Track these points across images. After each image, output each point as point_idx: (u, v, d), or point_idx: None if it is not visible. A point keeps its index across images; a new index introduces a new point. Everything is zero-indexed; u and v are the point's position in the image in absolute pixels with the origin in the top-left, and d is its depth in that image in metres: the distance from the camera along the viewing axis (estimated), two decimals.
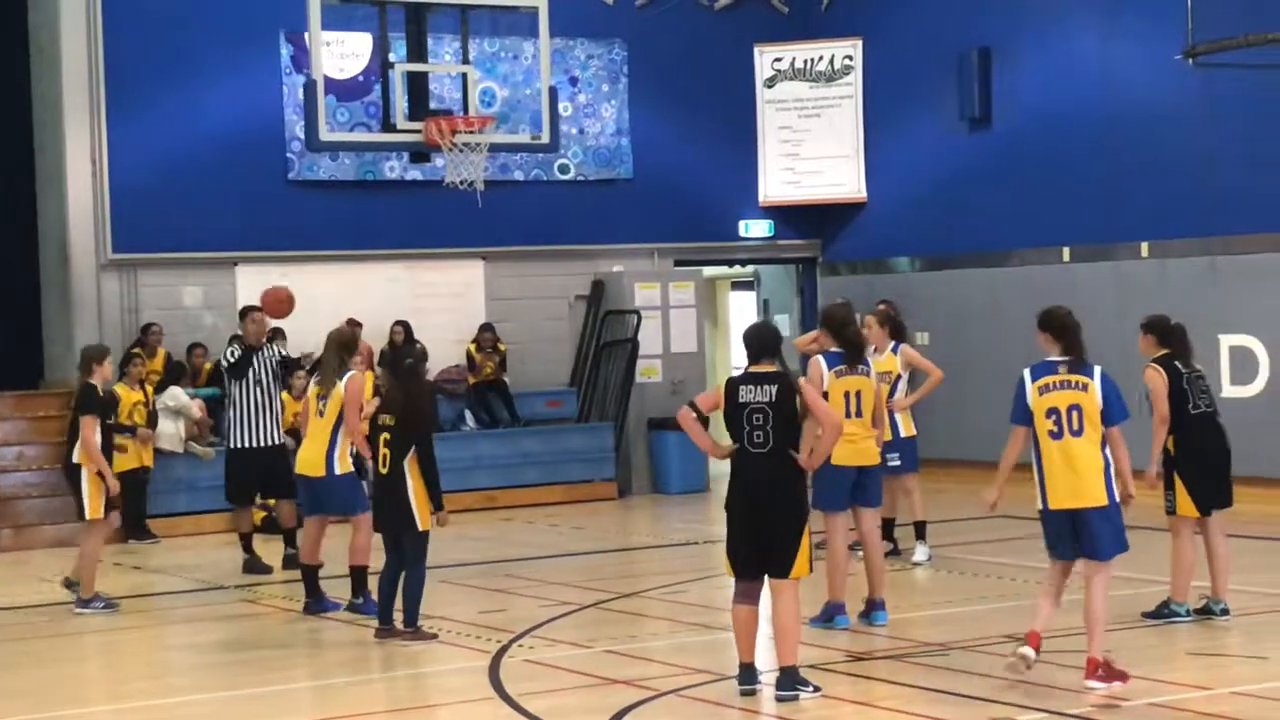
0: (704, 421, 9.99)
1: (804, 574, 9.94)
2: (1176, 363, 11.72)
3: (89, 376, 13.86)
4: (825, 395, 11.88)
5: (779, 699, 9.84)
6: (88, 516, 13.82)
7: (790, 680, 9.88)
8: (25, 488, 18.83)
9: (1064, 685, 9.94)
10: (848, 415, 11.93)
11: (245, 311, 16.04)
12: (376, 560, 12.66)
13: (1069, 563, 10.18)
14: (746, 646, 9.98)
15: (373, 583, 12.69)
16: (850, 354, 12.03)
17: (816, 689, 9.92)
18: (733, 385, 9.96)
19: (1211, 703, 9.49)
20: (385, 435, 11.91)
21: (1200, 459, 11.64)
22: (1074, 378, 10.05)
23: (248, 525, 16.01)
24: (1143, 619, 11.81)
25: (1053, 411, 9.98)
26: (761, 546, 9.87)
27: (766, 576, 9.95)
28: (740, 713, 9.77)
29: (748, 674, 9.99)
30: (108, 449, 13.90)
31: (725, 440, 10.16)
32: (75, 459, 13.78)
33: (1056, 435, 9.98)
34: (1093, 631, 9.93)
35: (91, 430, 13.59)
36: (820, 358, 12.07)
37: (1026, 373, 10.12)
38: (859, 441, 12.04)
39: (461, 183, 16.72)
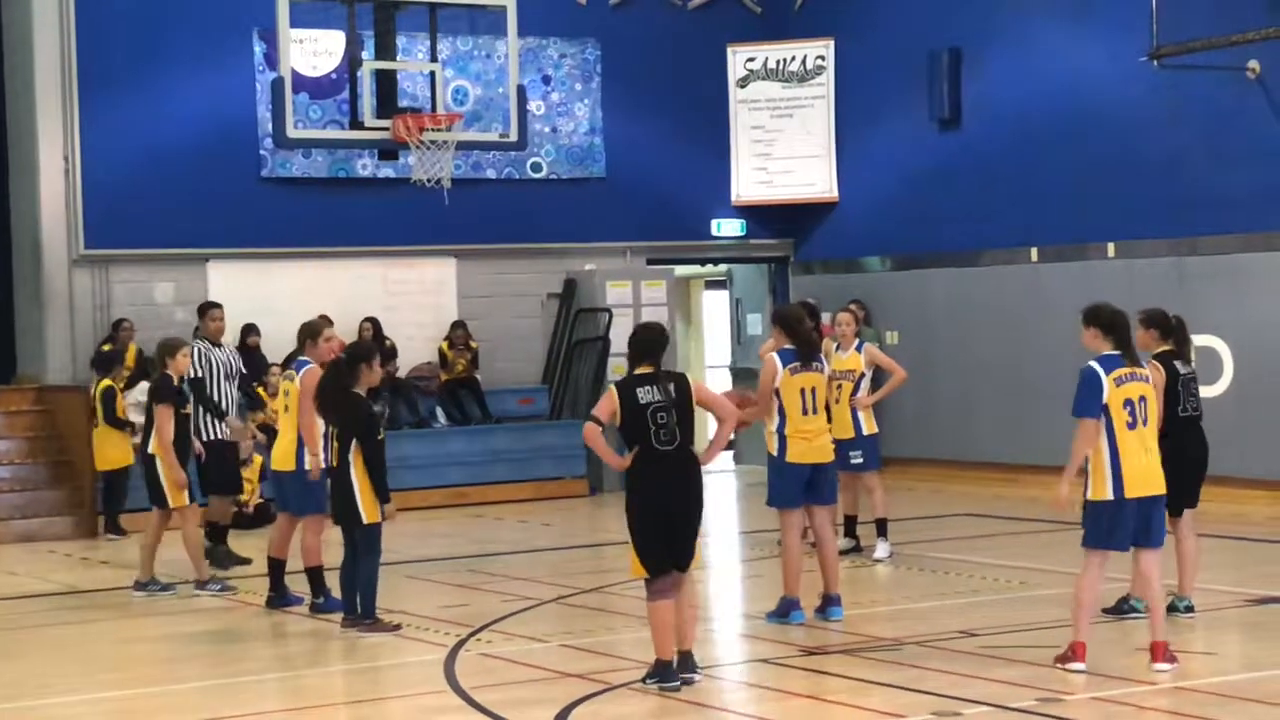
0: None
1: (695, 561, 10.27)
2: (1176, 362, 11.71)
3: (165, 368, 14.14)
4: (776, 392, 12.01)
5: (684, 681, 10.08)
6: (170, 505, 14.07)
7: (691, 663, 10.16)
8: None
9: (1010, 679, 10.05)
10: (804, 412, 12.03)
11: (205, 308, 15.96)
12: (331, 558, 12.77)
13: (1108, 557, 10.22)
14: (670, 644, 10.06)
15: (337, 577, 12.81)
16: (804, 351, 12.10)
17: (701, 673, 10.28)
18: (628, 388, 10.02)
19: (1153, 697, 9.60)
20: (334, 429, 12.05)
21: (1181, 462, 11.59)
22: (1138, 369, 10.21)
23: (228, 515, 15.96)
24: (1102, 614, 11.91)
25: (1129, 402, 10.09)
26: (675, 542, 10.01)
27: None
28: (687, 705, 9.85)
29: (670, 671, 10.07)
30: (183, 439, 14.15)
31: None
32: (150, 449, 14.06)
33: (1133, 425, 10.09)
34: (1158, 616, 10.20)
35: (167, 420, 13.89)
36: (775, 355, 12.14)
37: (1097, 366, 10.12)
38: (814, 439, 12.11)
39: (429, 180, 16.82)
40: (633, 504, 10.08)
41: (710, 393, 10.37)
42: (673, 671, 10.06)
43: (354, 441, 11.93)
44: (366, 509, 11.97)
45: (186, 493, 14.09)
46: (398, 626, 12.17)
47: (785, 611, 12.04)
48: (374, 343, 18.89)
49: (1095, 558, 10.22)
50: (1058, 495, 10.15)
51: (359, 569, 12.11)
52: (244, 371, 16.10)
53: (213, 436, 15.37)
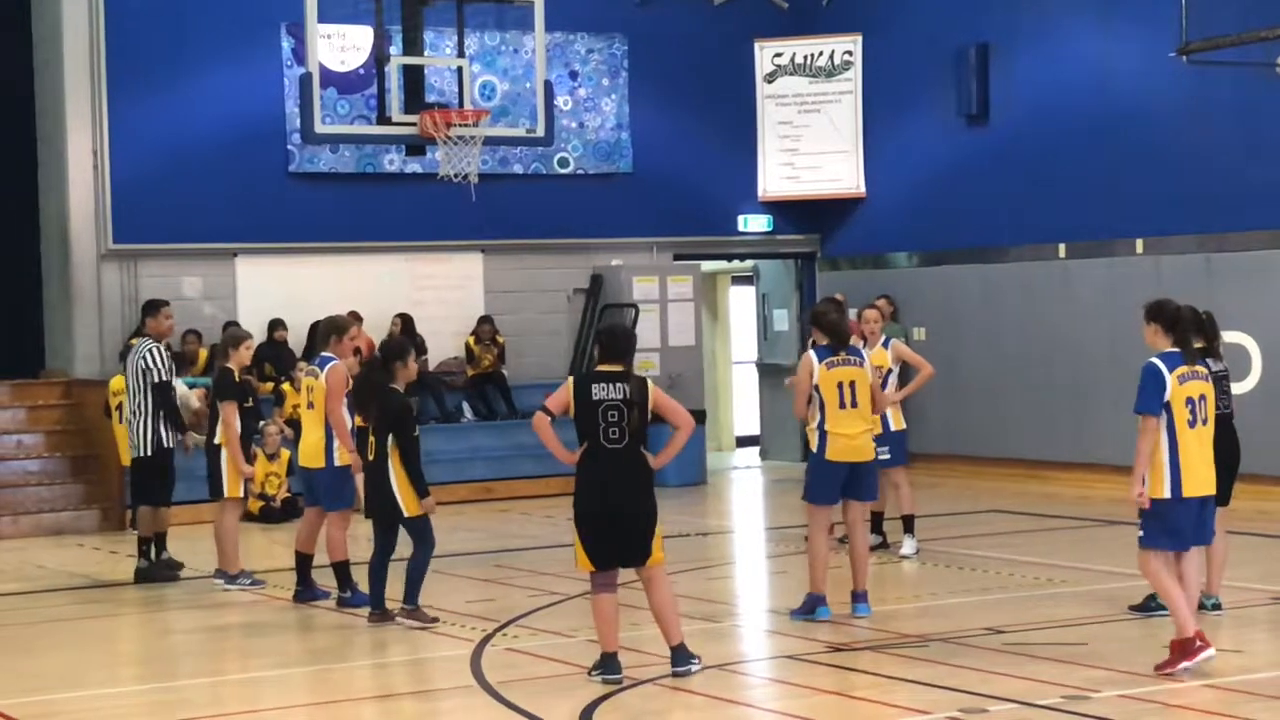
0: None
1: (660, 559, 10.22)
2: (1208, 359, 11.64)
3: (225, 361, 14.15)
4: (815, 388, 11.98)
5: (676, 674, 10.16)
6: (226, 494, 14.08)
7: (683, 656, 10.21)
8: (24, 475, 18.98)
9: (1036, 676, 10.03)
10: (841, 406, 11.97)
11: (156, 306, 15.23)
12: (358, 552, 12.80)
13: (1169, 555, 10.16)
14: (613, 635, 10.20)
15: (364, 571, 12.83)
16: (836, 344, 12.05)
17: (698, 658, 10.30)
18: (583, 383, 10.11)
19: (1178, 695, 9.57)
20: (370, 425, 12.16)
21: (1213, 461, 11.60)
22: (1199, 368, 10.19)
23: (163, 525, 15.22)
24: (1129, 611, 11.89)
25: (1190, 400, 10.06)
26: (620, 539, 10.10)
27: (623, 567, 10.22)
28: (712, 700, 9.86)
29: (614, 663, 10.18)
30: (246, 432, 14.20)
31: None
32: (216, 440, 14.08)
33: (1193, 424, 10.05)
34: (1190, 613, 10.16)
35: (232, 415, 13.94)
36: (810, 352, 12.12)
37: (1159, 363, 10.08)
38: (855, 438, 12.05)
39: (456, 175, 16.84)
40: (578, 499, 10.21)
41: (668, 401, 10.26)
42: (616, 663, 10.18)
43: (390, 437, 11.98)
44: (406, 502, 12.08)
45: (243, 486, 14.15)
46: (436, 619, 12.20)
47: (811, 608, 12.02)
48: (408, 339, 18.88)
49: (1155, 557, 10.11)
50: (1131, 496, 10.12)
51: (412, 558, 12.22)
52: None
53: (168, 444, 14.78)
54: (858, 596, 12.19)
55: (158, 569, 14.93)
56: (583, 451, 10.14)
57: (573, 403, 10.08)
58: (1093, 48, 20.13)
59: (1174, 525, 10.08)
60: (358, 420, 12.71)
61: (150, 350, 14.72)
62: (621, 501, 10.10)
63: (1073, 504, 18.22)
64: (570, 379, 10.27)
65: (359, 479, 12.55)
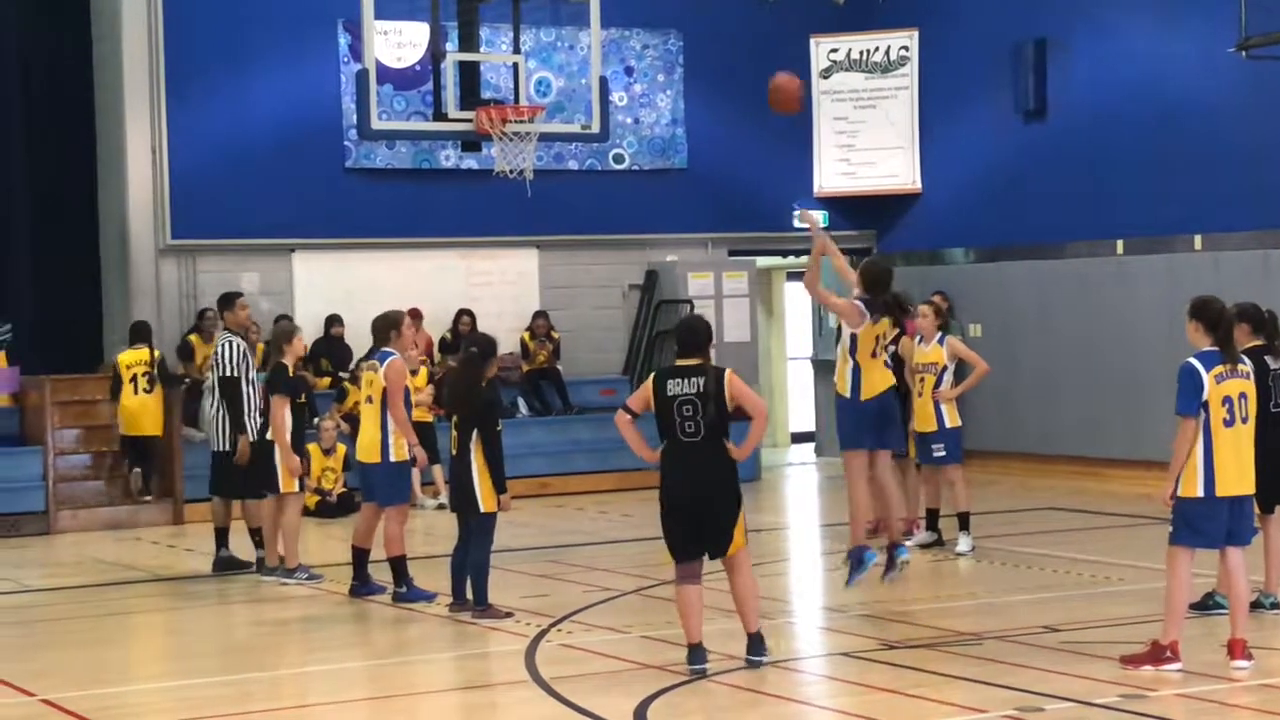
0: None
1: (741, 546, 10.30)
2: (1266, 357, 11.55)
3: (280, 356, 14.19)
4: (854, 338, 11.86)
5: (750, 664, 10.30)
6: (281, 490, 14.10)
7: (759, 646, 10.36)
8: (83, 470, 19.12)
9: (1094, 675, 9.99)
10: (873, 355, 11.94)
11: (231, 298, 15.19)
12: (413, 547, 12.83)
13: (1195, 554, 10.16)
14: (696, 626, 10.30)
15: (420, 566, 12.89)
16: (876, 304, 11.92)
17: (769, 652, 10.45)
18: (661, 380, 10.23)
19: (1237, 694, 9.52)
20: (454, 419, 12.25)
21: (1272, 458, 11.40)
22: (1239, 366, 10.15)
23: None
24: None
25: (1227, 400, 10.02)
26: (700, 531, 10.20)
27: (709, 559, 10.31)
28: (766, 697, 9.87)
29: (698, 653, 10.29)
30: (299, 427, 14.20)
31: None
32: (269, 436, 14.13)
33: (1230, 423, 10.01)
34: (1240, 614, 10.12)
35: (281, 410, 13.96)
36: (858, 301, 11.93)
37: (1197, 363, 10.04)
38: (880, 384, 11.96)
39: (511, 171, 16.90)
40: (662, 493, 10.35)
41: (744, 390, 10.30)
42: (700, 653, 10.28)
43: (474, 431, 12.09)
44: (484, 498, 12.18)
45: (297, 481, 14.16)
46: (510, 614, 12.26)
47: (859, 558, 12.00)
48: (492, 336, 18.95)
49: (1183, 555, 10.12)
50: (1164, 494, 10.13)
51: (471, 556, 12.32)
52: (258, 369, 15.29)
53: (223, 447, 14.75)
54: (893, 545, 12.25)
55: (223, 561, 15.06)
56: (664, 447, 10.22)
57: (652, 399, 10.18)
58: (1151, 43, 20.02)
59: (1202, 525, 10.06)
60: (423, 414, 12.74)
61: (226, 344, 14.79)
62: (701, 495, 10.19)
63: (1129, 502, 18.12)
64: (651, 376, 10.37)
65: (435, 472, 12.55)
